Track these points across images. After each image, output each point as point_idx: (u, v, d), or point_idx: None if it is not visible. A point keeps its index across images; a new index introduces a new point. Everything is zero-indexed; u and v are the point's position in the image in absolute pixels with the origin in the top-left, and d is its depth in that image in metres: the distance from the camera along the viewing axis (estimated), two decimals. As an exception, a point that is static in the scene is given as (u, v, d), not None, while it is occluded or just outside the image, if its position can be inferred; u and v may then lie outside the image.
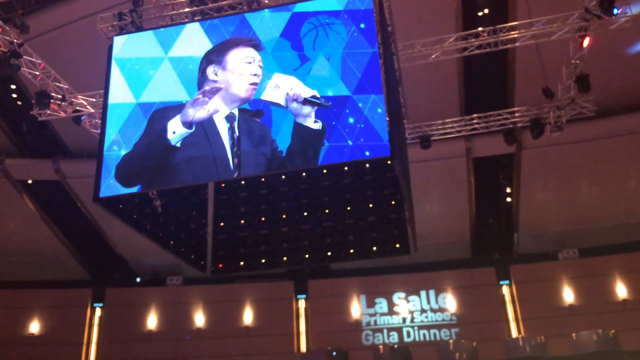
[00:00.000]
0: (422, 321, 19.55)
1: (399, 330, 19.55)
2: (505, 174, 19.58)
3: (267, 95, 8.63)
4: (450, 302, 19.54)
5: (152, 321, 20.16)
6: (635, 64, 16.10)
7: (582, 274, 19.08)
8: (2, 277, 21.23)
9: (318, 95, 8.33)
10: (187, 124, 8.73)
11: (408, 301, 19.82)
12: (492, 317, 19.25)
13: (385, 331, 19.57)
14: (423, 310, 19.66)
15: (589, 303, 18.56)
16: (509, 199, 19.98)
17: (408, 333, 19.45)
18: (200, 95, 8.86)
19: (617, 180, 18.60)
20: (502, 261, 20.42)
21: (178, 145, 8.64)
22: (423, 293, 19.88)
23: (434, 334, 19.27)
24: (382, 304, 19.93)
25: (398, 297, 19.93)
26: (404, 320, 19.64)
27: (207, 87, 8.90)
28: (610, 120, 16.97)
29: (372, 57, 8.41)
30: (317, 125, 8.19)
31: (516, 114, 14.44)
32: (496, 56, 15.10)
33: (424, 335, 19.36)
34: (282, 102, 8.48)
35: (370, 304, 20.00)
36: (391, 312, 19.82)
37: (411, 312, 19.70)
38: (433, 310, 19.61)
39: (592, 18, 11.01)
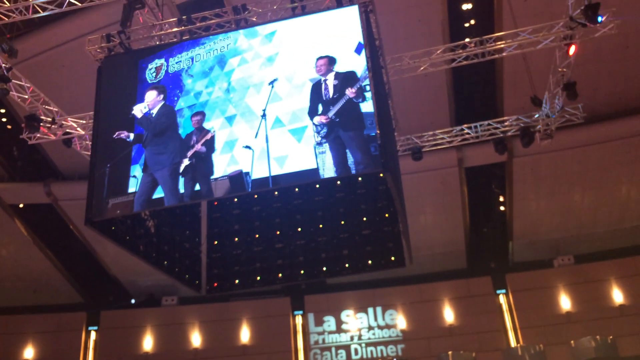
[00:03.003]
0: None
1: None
2: (498, 182, 19.63)
3: None
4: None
5: (148, 343, 19.93)
6: (622, 70, 16.26)
7: (578, 281, 19.08)
8: (-5, 304, 20.98)
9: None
10: None
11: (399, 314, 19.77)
12: (490, 327, 19.17)
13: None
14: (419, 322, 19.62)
15: (586, 309, 18.54)
16: (502, 208, 20.02)
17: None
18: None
19: (610, 186, 18.68)
20: (498, 270, 20.41)
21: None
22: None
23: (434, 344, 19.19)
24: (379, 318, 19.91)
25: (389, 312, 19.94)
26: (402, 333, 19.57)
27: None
28: (600, 126, 17.08)
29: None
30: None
31: (506, 123, 14.53)
32: (484, 66, 15.21)
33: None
34: None
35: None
36: (388, 325, 19.76)
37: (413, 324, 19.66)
38: (429, 321, 19.55)
39: (577, 26, 11.14)
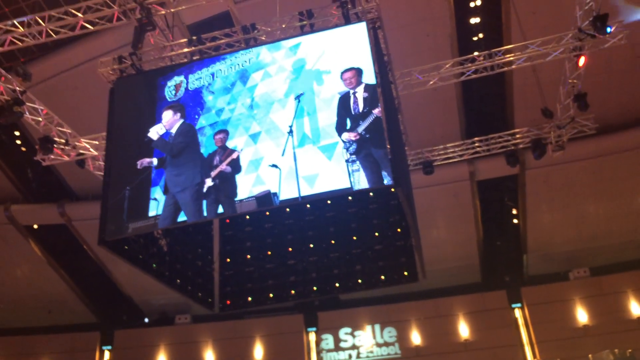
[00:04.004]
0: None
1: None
2: (510, 195, 19.50)
3: None
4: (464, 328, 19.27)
5: (162, 362, 19.92)
6: (633, 80, 16.17)
7: (594, 293, 18.85)
8: (10, 324, 21.09)
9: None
10: None
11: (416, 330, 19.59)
12: (506, 342, 18.96)
13: None
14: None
15: (603, 322, 18.29)
16: (515, 221, 19.86)
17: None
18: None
19: (624, 196, 18.49)
20: (512, 284, 20.23)
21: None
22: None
23: None
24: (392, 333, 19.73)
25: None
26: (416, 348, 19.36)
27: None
28: (612, 136, 16.97)
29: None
30: None
31: (517, 136, 14.48)
32: (493, 79, 15.20)
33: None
34: None
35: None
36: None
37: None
38: (443, 335, 19.34)
39: (586, 37, 11.12)
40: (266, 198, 8.14)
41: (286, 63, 9.11)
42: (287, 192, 8.10)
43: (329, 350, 19.71)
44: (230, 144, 8.88)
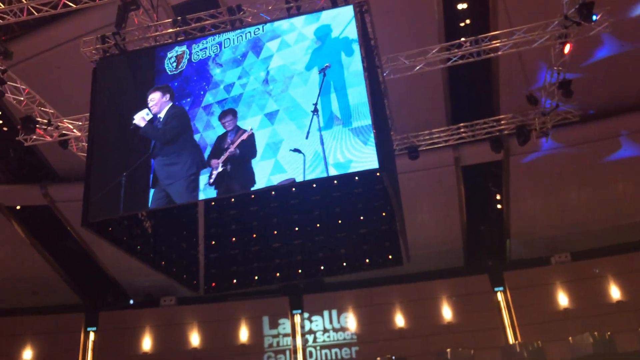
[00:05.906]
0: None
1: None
2: (495, 181, 19.65)
3: None
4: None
5: (147, 343, 19.94)
6: (617, 68, 16.27)
7: (575, 278, 19.14)
8: (-6, 306, 20.97)
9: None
10: None
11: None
12: (488, 325, 19.22)
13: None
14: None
15: (583, 306, 18.60)
16: (499, 206, 20.05)
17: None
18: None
19: (605, 183, 18.72)
20: (495, 268, 20.45)
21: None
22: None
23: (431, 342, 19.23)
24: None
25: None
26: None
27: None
28: (595, 124, 17.12)
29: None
30: None
31: (502, 122, 14.57)
32: (480, 65, 15.20)
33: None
34: None
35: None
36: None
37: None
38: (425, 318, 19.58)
39: (572, 25, 11.17)
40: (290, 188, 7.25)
41: (307, 30, 7.99)
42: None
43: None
44: (242, 124, 7.82)
